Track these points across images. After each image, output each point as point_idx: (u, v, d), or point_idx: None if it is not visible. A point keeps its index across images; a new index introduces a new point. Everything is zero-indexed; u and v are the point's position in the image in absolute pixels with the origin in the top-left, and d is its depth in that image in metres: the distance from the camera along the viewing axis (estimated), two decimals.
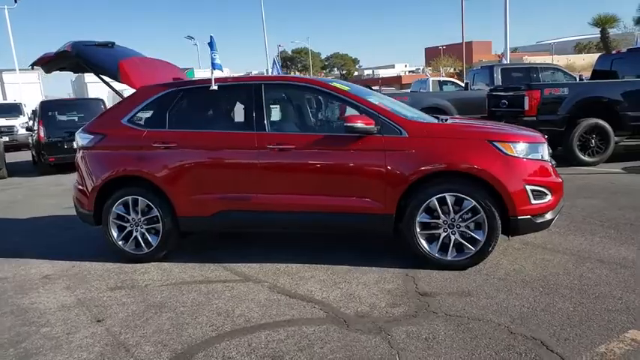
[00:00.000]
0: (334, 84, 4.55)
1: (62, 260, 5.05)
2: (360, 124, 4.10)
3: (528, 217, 4.04)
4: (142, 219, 4.75)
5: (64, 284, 4.39)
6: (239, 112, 4.72)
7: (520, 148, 4.11)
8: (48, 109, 12.91)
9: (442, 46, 69.34)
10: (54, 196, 9.33)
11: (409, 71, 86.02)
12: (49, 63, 5.24)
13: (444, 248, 4.16)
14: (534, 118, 8.84)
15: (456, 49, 64.66)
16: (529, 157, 4.12)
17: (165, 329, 3.40)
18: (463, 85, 14.37)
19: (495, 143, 4.08)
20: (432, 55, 77.14)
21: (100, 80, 5.28)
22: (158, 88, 4.86)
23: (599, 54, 13.18)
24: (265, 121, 4.46)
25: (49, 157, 12.20)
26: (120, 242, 4.82)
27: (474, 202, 4.02)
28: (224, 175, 4.55)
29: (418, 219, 4.15)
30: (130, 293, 4.09)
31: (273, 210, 4.43)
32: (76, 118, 13.54)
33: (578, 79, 12.11)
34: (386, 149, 4.15)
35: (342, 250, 4.88)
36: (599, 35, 19.35)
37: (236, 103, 4.91)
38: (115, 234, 4.82)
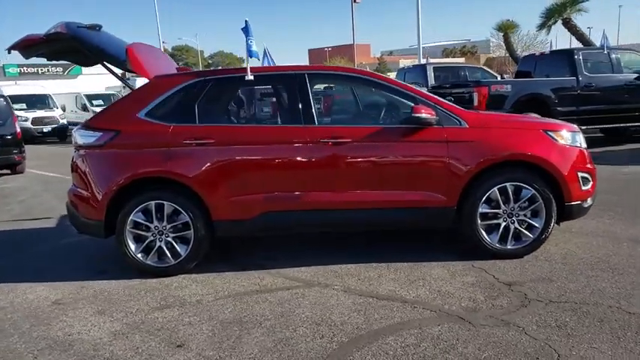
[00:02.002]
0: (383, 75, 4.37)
1: (59, 281, 4.25)
2: (425, 115, 3.98)
3: (579, 202, 4.22)
4: (168, 226, 4.16)
5: (91, 309, 3.69)
6: (280, 105, 4.34)
7: (567, 137, 4.28)
8: None
9: (328, 47, 70.94)
10: None
11: None
12: (32, 47, 4.38)
13: (502, 238, 4.20)
14: None
15: (341, 50, 66.75)
16: (574, 145, 4.31)
17: (272, 347, 2.99)
18: None
19: (549, 132, 4.21)
20: (316, 56, 78.66)
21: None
22: (181, 78, 4.30)
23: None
24: (314, 114, 4.15)
25: None
26: (139, 255, 4.19)
27: (533, 191, 4.10)
28: (270, 172, 4.15)
29: (480, 210, 4.14)
30: (187, 311, 3.56)
31: (327, 208, 4.14)
32: None
33: (499, 77, 13.09)
34: (448, 140, 4.08)
35: (386, 246, 4.72)
36: (503, 39, 21.20)
37: (277, 94, 4.50)
38: (132, 246, 4.17)
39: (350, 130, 4.16)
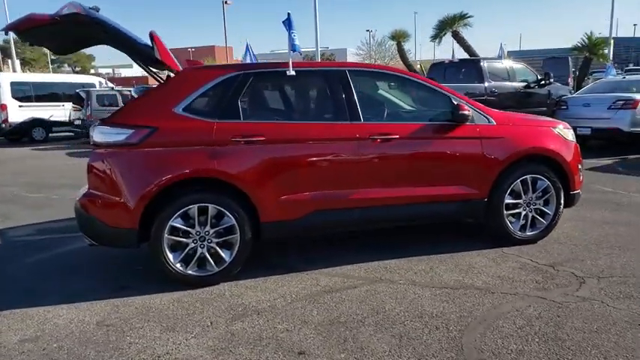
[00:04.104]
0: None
1: (80, 302, 3.67)
2: (467, 112, 4.24)
3: (578, 191, 4.81)
4: (211, 231, 3.84)
5: (154, 327, 3.26)
6: (324, 101, 4.25)
7: (566, 133, 4.84)
8: None
9: (191, 48, 68.80)
10: None
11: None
12: (35, 28, 3.70)
13: (522, 226, 4.61)
14: None
15: (203, 52, 65.25)
16: (571, 140, 4.88)
17: (398, 342, 2.97)
18: None
19: (556, 129, 4.73)
20: (179, 55, 75.60)
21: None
22: (218, 71, 3.99)
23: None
24: (359, 111, 4.14)
25: None
26: (178, 265, 3.80)
27: (548, 182, 4.58)
28: (320, 170, 4.05)
29: (505, 201, 4.49)
30: (272, 318, 3.33)
31: (376, 205, 4.16)
32: None
33: None
34: (482, 136, 4.37)
35: (404, 242, 4.83)
36: (397, 47, 22.56)
37: (319, 90, 4.37)
38: (170, 255, 3.78)
39: (397, 127, 4.24)
